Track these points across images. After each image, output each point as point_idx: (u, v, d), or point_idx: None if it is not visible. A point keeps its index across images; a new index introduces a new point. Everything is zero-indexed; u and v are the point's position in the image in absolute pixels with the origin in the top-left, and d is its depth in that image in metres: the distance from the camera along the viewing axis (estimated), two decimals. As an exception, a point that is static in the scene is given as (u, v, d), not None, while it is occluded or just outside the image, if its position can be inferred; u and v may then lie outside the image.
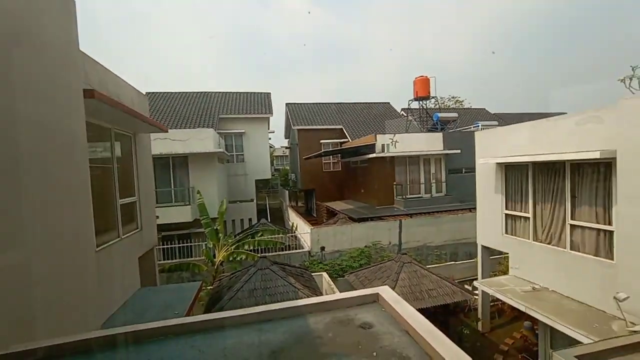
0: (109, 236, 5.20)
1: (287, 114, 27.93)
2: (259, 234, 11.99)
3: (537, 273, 7.39)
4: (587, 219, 6.35)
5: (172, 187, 13.39)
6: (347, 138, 23.60)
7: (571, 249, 6.63)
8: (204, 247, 10.77)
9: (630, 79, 6.23)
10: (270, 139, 31.16)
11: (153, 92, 23.73)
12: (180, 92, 24.40)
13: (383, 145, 16.88)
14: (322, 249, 12.52)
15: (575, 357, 3.19)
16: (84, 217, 3.85)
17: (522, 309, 6.65)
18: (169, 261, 10.96)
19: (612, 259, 5.79)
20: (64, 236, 3.45)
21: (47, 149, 3.21)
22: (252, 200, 19.99)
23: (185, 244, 11.75)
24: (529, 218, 7.61)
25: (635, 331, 4.18)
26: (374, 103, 29.89)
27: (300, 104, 28.11)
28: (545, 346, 7.36)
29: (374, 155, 16.82)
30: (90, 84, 4.66)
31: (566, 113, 6.77)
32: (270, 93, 25.73)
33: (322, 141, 24.36)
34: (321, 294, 8.12)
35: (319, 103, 28.58)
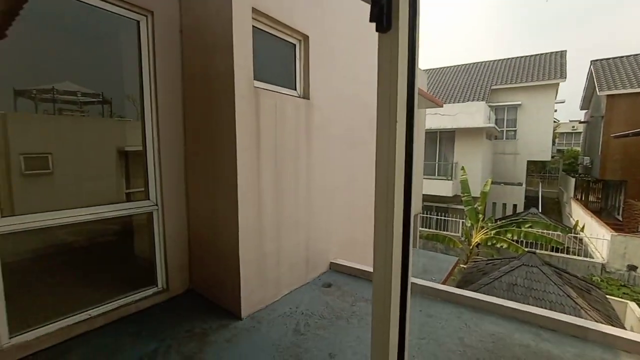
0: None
1: (589, 75, 20.65)
2: (527, 225, 10.20)
3: None
4: None
5: (437, 161, 13.91)
6: None
7: None
8: (461, 225, 10.62)
9: None
10: (556, 111, 24.64)
11: (425, 69, 24.98)
12: (449, 67, 24.08)
13: None
14: (631, 267, 8.82)
15: None
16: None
17: None
18: (426, 229, 11.78)
19: None
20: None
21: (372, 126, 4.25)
22: (520, 185, 17.12)
23: (442, 217, 12.11)
24: None
25: None
26: None
27: (617, 57, 19.78)
28: None
29: None
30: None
31: None
32: (565, 51, 19.95)
33: (651, 111, 16.28)
34: (623, 328, 5.89)
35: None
